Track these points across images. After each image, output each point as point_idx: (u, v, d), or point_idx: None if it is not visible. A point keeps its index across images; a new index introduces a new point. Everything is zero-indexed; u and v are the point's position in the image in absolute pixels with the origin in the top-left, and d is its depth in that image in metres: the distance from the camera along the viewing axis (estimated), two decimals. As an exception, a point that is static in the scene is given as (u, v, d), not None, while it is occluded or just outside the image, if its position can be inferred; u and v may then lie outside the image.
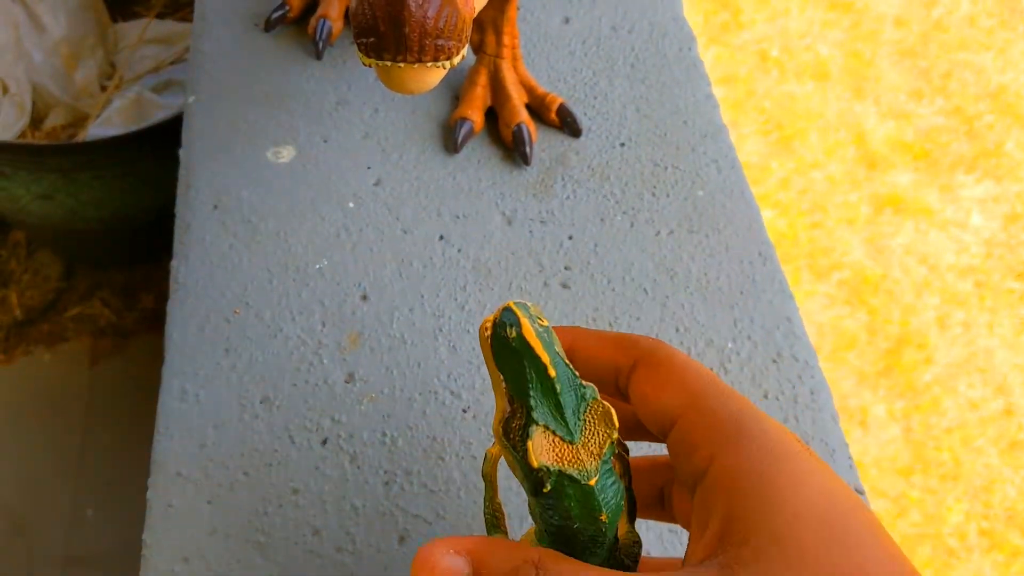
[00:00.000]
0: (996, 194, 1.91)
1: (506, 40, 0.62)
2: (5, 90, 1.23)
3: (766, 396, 0.52)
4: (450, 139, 0.62)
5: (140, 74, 1.26)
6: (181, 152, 0.62)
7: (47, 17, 1.27)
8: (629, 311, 0.55)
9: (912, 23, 2.21)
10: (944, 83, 2.09)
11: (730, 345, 0.54)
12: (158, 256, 1.39)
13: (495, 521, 0.36)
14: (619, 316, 0.55)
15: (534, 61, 0.67)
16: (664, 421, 0.31)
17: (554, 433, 0.30)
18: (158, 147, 1.15)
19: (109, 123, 1.18)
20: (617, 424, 0.31)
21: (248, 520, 0.47)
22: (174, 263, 0.57)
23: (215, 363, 0.53)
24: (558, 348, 0.32)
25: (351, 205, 0.60)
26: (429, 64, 0.32)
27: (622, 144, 0.63)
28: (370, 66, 0.33)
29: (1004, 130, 2.00)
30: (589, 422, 0.31)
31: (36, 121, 1.26)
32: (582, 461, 0.30)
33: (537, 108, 0.63)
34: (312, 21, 0.66)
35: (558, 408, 0.30)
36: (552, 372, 0.30)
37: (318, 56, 0.66)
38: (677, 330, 0.54)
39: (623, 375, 0.33)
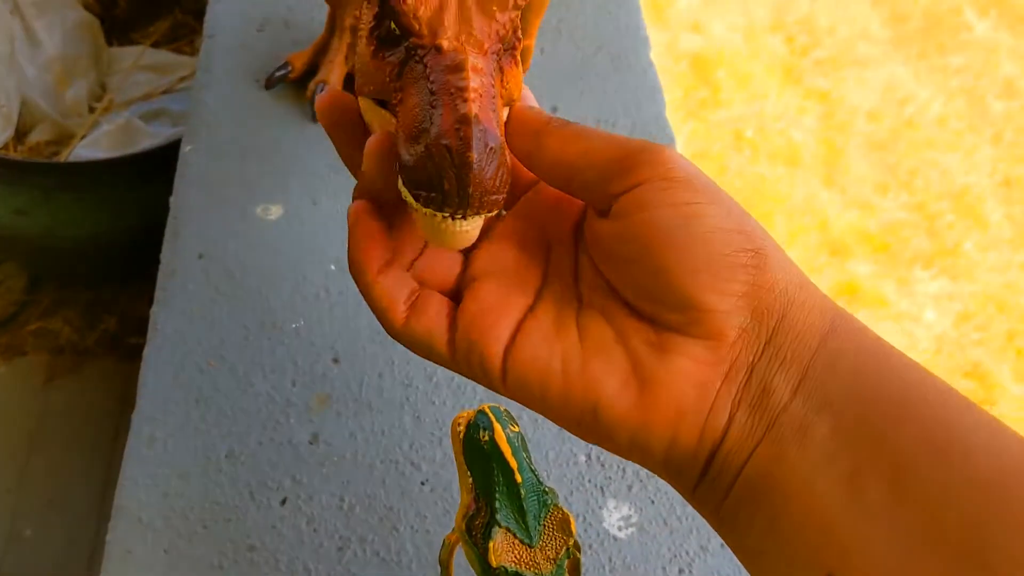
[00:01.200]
0: (951, 292, 1.96)
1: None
2: (-7, 101, 1.24)
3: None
4: None
5: (131, 99, 1.27)
6: (172, 199, 0.64)
7: (44, 33, 1.29)
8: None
9: (884, 118, 2.28)
10: (910, 179, 2.16)
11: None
12: (125, 278, 1.39)
13: None
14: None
15: (521, 144, 0.70)
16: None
17: (515, 536, 0.33)
18: (141, 174, 1.16)
19: (96, 145, 1.19)
20: (574, 532, 0.33)
21: (203, 573, 0.49)
22: (155, 309, 0.58)
23: (185, 413, 0.54)
24: (526, 454, 0.34)
25: (332, 268, 0.62)
26: (484, 215, 0.34)
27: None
28: (418, 211, 0.35)
29: (964, 230, 2.06)
30: (548, 527, 0.33)
31: (20, 134, 1.26)
32: (538, 564, 0.33)
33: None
34: (311, 84, 0.69)
35: (520, 512, 0.33)
36: (519, 478, 0.33)
37: (314, 119, 0.68)
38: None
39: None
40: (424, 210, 0.34)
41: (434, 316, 0.34)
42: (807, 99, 2.30)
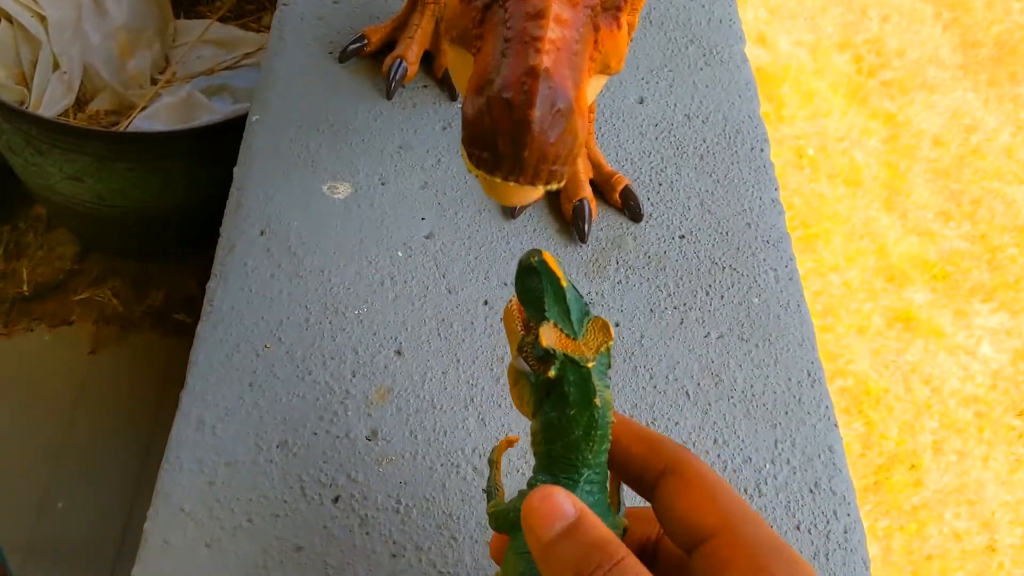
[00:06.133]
0: (1010, 327, 1.90)
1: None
2: (56, 66, 1.22)
3: (799, 528, 0.49)
4: None
5: (193, 73, 1.25)
6: (236, 170, 0.60)
7: (111, 2, 1.27)
8: (668, 413, 0.53)
9: (950, 144, 2.22)
10: (973, 209, 2.09)
11: (768, 467, 0.51)
12: (174, 254, 1.37)
13: (495, 494, 0.39)
14: (657, 416, 0.53)
15: (604, 136, 0.66)
16: (693, 537, 0.33)
17: (561, 330, 0.34)
18: (197, 149, 1.14)
19: (155, 117, 1.17)
20: (613, 335, 0.35)
21: (245, 572, 0.45)
22: (211, 284, 0.55)
23: (238, 397, 0.51)
24: (568, 278, 0.35)
25: (400, 254, 0.58)
26: (540, 186, 0.31)
27: (682, 236, 0.61)
28: (474, 174, 0.31)
29: (1026, 265, 2.00)
30: (590, 329, 0.35)
31: (81, 102, 1.24)
32: (582, 351, 0.34)
33: (601, 186, 0.62)
34: (388, 60, 0.65)
35: (566, 312, 0.34)
36: (564, 283, 0.35)
37: (388, 96, 0.65)
38: (715, 441, 0.52)
39: (649, 477, 0.35)
40: (475, 171, 0.31)
41: None
42: (872, 120, 2.24)
